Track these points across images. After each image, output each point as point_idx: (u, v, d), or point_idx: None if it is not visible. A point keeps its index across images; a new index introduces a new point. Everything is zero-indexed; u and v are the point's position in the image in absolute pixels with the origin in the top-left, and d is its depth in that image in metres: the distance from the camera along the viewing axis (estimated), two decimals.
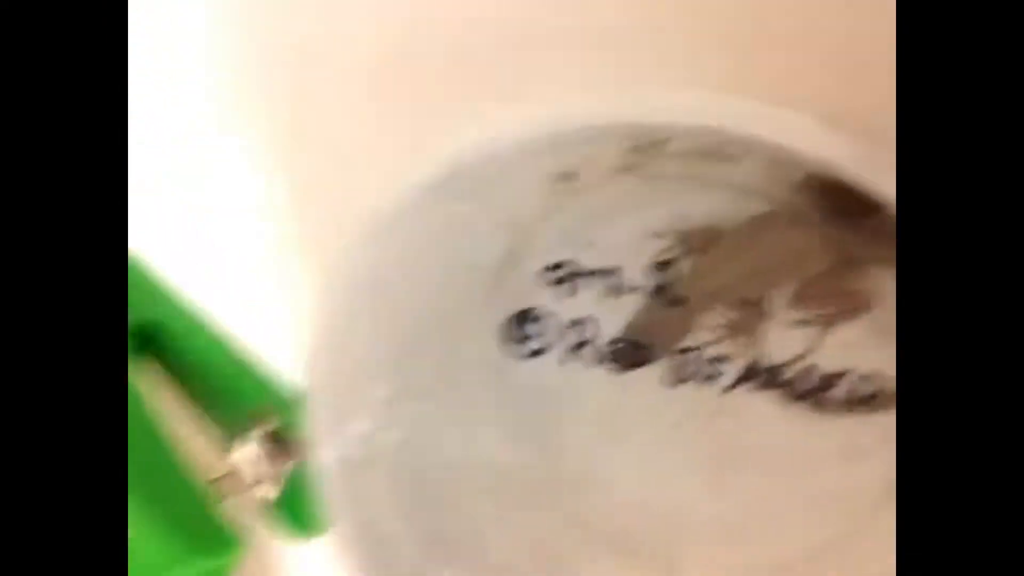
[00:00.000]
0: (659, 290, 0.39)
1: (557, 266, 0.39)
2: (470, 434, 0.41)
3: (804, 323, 0.39)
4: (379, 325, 0.37)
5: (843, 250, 0.37)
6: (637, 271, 0.39)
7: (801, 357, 0.38)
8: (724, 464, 0.40)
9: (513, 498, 0.41)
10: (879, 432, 0.38)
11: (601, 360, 0.40)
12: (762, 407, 0.39)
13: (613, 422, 0.41)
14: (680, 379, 0.39)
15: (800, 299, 0.38)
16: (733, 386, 0.39)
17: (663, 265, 0.39)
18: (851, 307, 0.38)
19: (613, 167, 0.39)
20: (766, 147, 0.32)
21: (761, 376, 0.39)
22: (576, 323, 0.40)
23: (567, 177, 0.39)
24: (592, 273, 0.39)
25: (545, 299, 0.40)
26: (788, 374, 0.38)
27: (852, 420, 0.38)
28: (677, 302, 0.39)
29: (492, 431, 0.42)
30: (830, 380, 0.38)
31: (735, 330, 0.39)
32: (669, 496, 0.41)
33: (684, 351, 0.39)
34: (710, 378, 0.39)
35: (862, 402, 0.38)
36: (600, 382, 0.40)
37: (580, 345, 0.40)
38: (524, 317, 0.40)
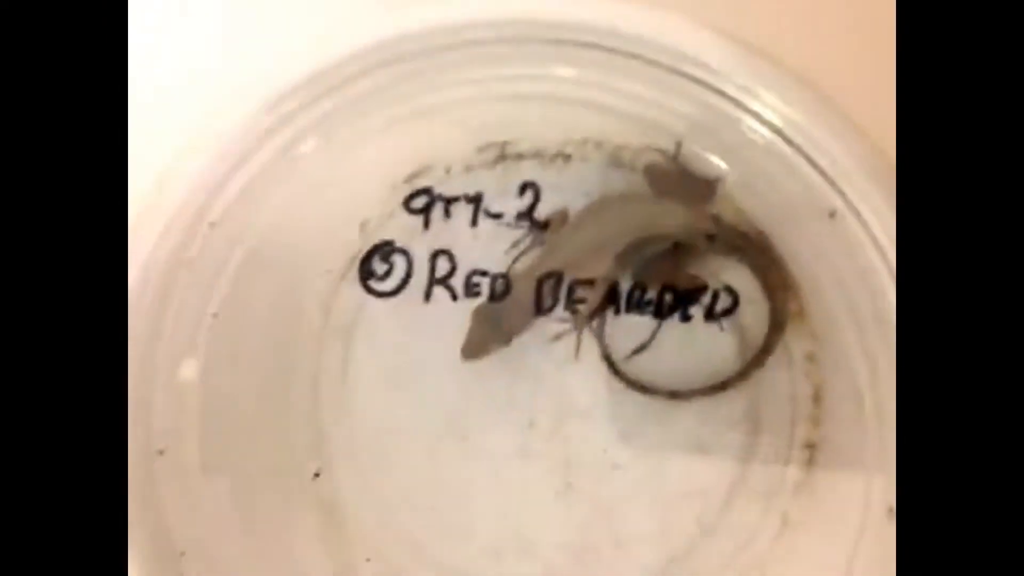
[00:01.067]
0: (520, 216, 0.40)
1: (417, 193, 0.40)
2: None
3: (645, 310, 0.41)
4: None
5: (682, 230, 0.40)
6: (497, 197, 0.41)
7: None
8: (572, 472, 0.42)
9: None
10: (723, 421, 0.41)
11: (467, 293, 0.41)
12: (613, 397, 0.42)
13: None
14: (546, 306, 0.41)
15: (643, 276, 0.41)
16: (598, 310, 0.40)
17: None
18: (688, 289, 0.41)
19: (463, 166, 0.41)
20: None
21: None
22: (433, 257, 0.41)
23: (416, 175, 0.41)
24: (452, 200, 0.40)
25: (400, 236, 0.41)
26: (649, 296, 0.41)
27: (699, 407, 0.41)
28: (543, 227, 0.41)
29: None
30: (691, 295, 0.41)
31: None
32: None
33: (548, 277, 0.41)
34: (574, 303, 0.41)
35: (724, 313, 0.41)
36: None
37: (440, 280, 0.41)
38: (378, 253, 0.40)
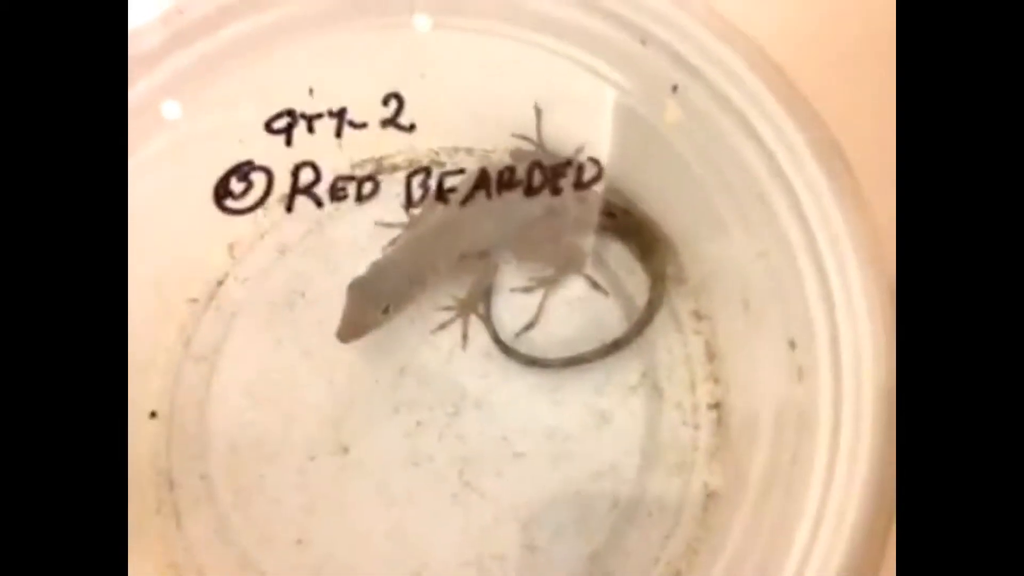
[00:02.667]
0: (386, 123, 0.39)
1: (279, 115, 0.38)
2: None
3: (528, 289, 0.40)
4: None
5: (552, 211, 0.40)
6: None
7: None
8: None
9: None
10: (621, 386, 0.39)
11: (333, 198, 0.38)
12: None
13: None
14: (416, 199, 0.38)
15: (522, 249, 0.40)
16: (470, 195, 0.38)
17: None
18: (567, 263, 0.40)
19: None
20: None
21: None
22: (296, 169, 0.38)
23: None
24: (315, 116, 0.38)
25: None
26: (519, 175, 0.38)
27: (596, 376, 0.39)
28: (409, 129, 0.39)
29: None
30: (558, 170, 0.39)
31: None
32: None
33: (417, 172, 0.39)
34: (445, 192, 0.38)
35: (590, 183, 0.39)
36: None
37: (303, 189, 0.38)
38: (236, 174, 0.37)
